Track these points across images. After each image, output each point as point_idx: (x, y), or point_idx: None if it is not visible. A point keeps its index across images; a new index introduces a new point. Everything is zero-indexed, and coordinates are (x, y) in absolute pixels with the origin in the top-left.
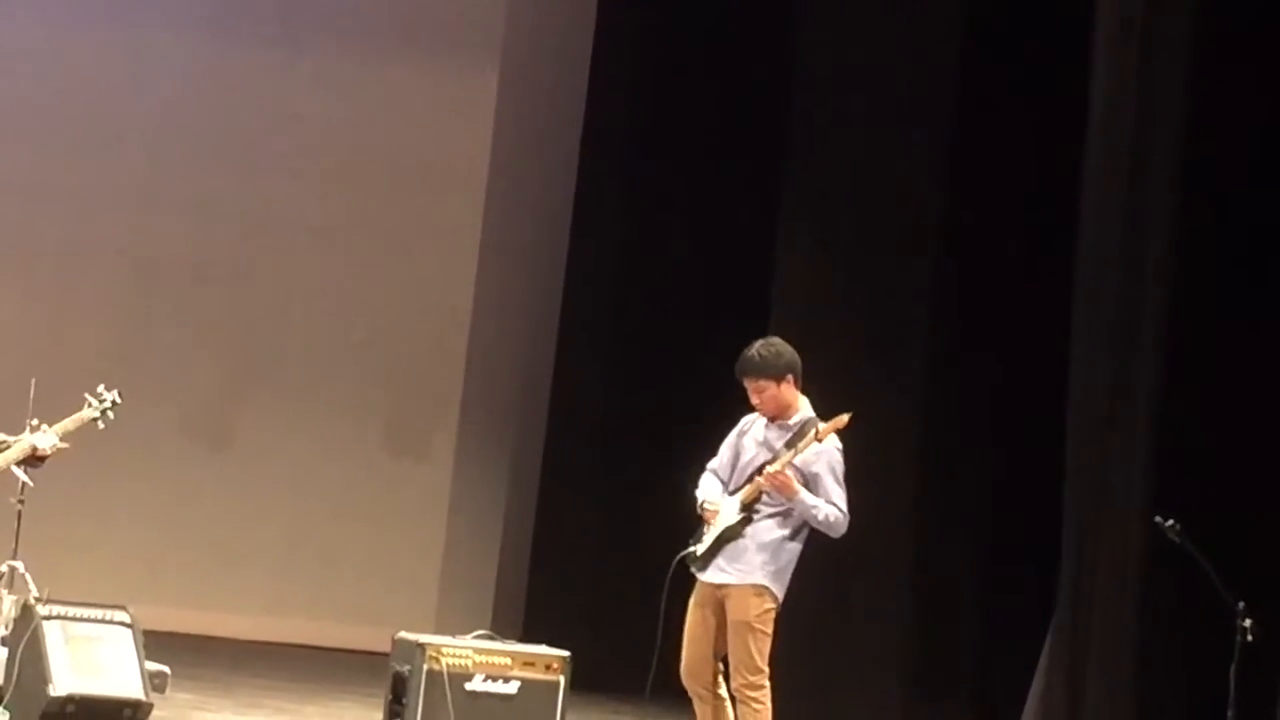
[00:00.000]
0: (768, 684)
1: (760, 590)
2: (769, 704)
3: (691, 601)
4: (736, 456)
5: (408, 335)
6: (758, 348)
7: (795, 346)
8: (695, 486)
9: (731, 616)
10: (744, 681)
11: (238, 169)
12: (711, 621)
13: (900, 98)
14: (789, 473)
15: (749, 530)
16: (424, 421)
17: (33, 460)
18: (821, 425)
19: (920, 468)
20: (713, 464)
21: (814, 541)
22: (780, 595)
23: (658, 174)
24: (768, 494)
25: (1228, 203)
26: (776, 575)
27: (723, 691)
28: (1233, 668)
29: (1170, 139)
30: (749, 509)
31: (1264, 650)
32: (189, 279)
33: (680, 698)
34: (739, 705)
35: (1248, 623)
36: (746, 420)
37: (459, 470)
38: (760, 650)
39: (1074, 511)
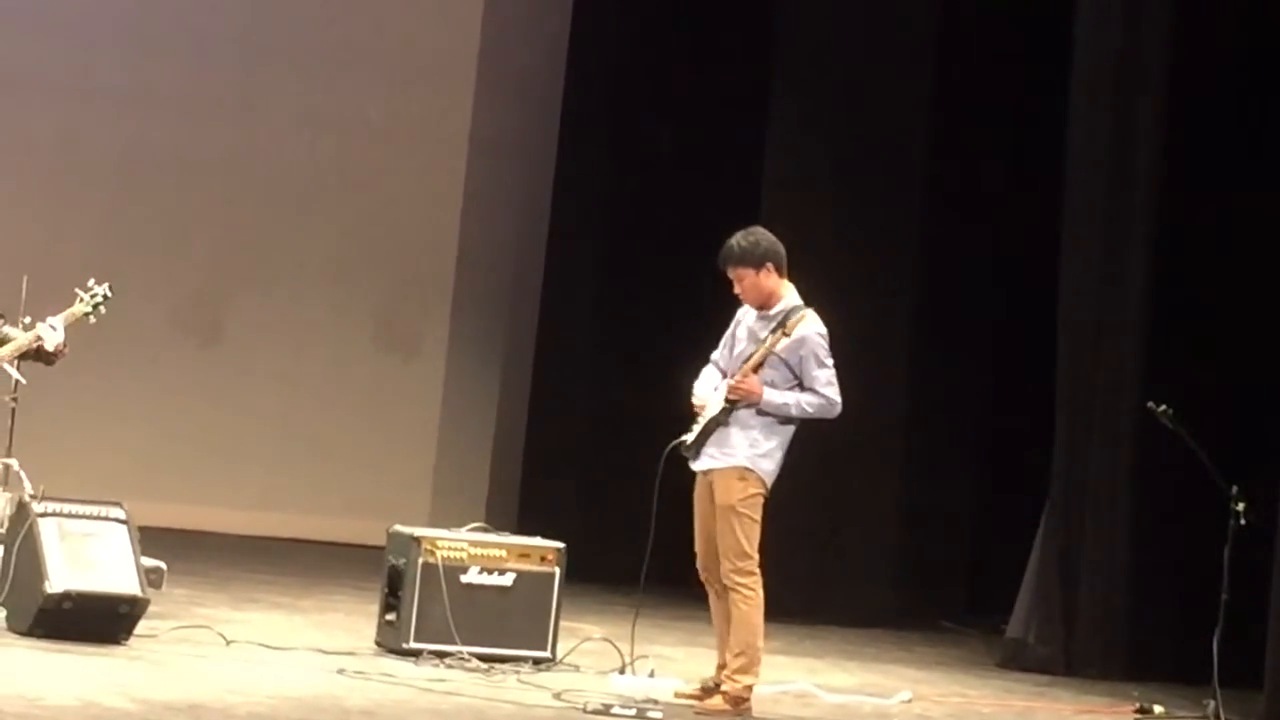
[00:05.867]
0: (758, 571)
1: (743, 473)
2: (760, 592)
3: (695, 495)
4: (733, 347)
5: (399, 229)
6: (737, 238)
7: (787, 237)
8: (696, 379)
9: (717, 500)
10: (731, 568)
11: (228, 62)
12: (711, 511)
13: None
14: (775, 360)
15: (733, 417)
16: (416, 315)
17: (44, 357)
18: (804, 316)
19: (913, 358)
20: (714, 355)
21: (808, 429)
22: (769, 480)
23: (647, 64)
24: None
25: (1218, 99)
26: (763, 457)
27: None
28: (1226, 551)
29: (1159, 40)
30: (731, 400)
31: (1258, 533)
32: (179, 173)
33: (675, 588)
34: (729, 593)
35: (1241, 506)
36: (743, 310)
37: (451, 363)
38: (748, 536)
39: (1066, 398)
